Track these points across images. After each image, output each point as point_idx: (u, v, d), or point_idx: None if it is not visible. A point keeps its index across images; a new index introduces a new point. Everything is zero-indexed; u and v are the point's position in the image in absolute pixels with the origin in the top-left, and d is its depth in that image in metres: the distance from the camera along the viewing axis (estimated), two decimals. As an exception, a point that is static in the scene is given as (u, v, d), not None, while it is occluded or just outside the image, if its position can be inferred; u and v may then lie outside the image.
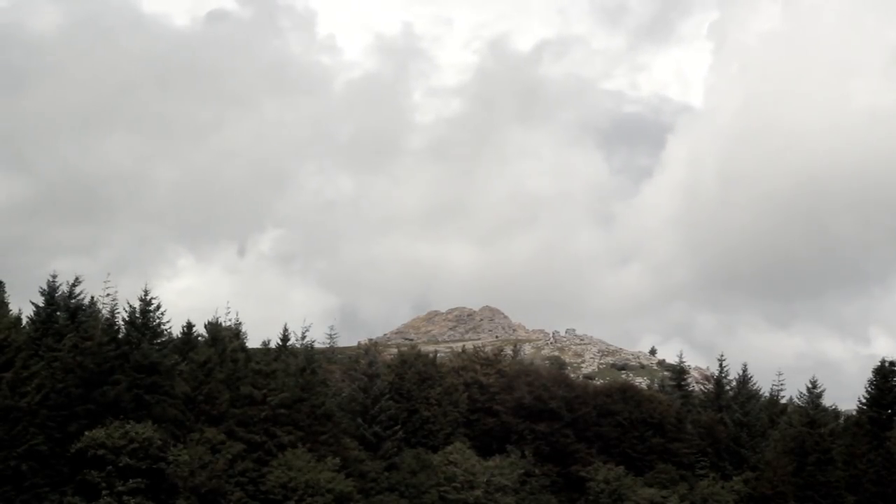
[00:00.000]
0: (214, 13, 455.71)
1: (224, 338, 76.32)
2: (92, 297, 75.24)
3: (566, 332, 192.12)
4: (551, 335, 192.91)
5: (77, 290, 74.22)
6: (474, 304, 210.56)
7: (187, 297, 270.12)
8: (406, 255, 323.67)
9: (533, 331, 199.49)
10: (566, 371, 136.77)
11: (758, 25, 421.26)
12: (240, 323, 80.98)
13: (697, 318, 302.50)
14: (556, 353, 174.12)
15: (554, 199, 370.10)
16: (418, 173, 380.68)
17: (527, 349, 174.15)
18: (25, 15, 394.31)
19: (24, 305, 74.65)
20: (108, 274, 76.53)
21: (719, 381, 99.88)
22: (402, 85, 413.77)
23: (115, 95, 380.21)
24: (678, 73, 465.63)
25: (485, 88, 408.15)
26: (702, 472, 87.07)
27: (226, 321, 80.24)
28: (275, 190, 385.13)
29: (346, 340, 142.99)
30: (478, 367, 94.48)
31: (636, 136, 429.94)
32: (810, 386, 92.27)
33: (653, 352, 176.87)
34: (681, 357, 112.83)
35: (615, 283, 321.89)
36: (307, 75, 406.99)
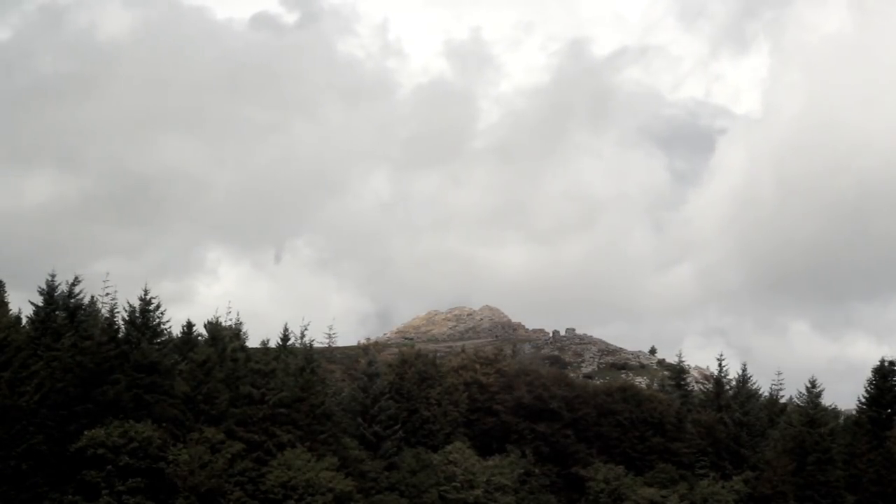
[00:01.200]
0: (281, 18, 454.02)
1: (224, 337, 76.28)
2: (91, 297, 75.30)
3: (566, 332, 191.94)
4: (551, 334, 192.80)
5: (76, 289, 74.22)
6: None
7: (227, 299, 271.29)
8: (455, 256, 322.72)
9: (533, 330, 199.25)
10: (566, 370, 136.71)
11: (821, 28, 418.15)
12: (240, 322, 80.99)
13: (744, 322, 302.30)
14: (556, 353, 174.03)
15: (611, 202, 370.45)
16: (478, 175, 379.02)
17: (527, 349, 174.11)
18: (97, 17, 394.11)
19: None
20: (107, 273, 76.17)
21: (719, 381, 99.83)
22: (468, 89, 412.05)
23: (179, 97, 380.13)
24: (742, 78, 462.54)
25: (553, 93, 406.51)
26: (702, 471, 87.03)
27: (226, 321, 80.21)
28: (330, 194, 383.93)
29: (347, 340, 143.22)
30: (478, 366, 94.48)
31: (696, 141, 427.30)
32: (810, 385, 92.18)
33: (653, 351, 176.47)
34: (680, 356, 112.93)
35: (664, 284, 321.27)
36: (374, 80, 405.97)
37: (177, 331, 75.50)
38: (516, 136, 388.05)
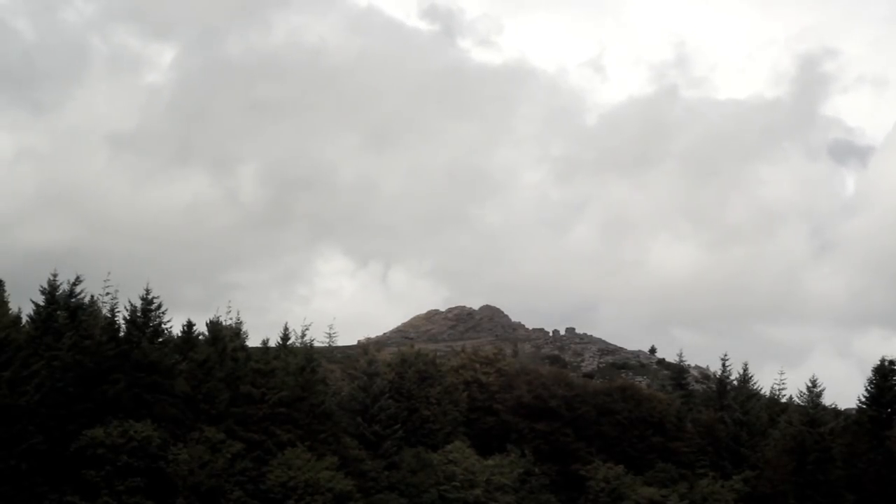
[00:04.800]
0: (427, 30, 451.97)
1: (224, 337, 76.20)
2: (92, 296, 75.22)
3: (566, 331, 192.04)
4: (551, 334, 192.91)
5: (77, 289, 74.17)
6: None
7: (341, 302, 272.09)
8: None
9: (533, 330, 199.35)
10: (566, 370, 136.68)
11: None
12: (240, 322, 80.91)
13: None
14: (556, 353, 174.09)
15: (786, 215, 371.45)
16: (661, 182, 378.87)
17: (526, 348, 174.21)
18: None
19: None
20: (108, 273, 76.11)
21: (721, 381, 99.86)
22: (666, 98, 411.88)
23: (354, 100, 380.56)
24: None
25: (746, 105, 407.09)
26: (702, 471, 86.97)
27: (226, 320, 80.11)
28: (482, 200, 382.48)
29: (347, 339, 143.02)
30: (477, 366, 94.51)
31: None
32: (810, 385, 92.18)
33: (653, 350, 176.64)
34: (680, 356, 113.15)
35: (820, 293, 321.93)
36: (565, 93, 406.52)
37: (177, 330, 75.47)
38: (706, 145, 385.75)
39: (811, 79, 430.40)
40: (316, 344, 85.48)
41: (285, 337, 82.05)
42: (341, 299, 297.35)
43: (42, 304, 72.38)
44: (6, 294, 78.10)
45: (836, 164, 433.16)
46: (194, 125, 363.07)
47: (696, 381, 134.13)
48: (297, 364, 76.59)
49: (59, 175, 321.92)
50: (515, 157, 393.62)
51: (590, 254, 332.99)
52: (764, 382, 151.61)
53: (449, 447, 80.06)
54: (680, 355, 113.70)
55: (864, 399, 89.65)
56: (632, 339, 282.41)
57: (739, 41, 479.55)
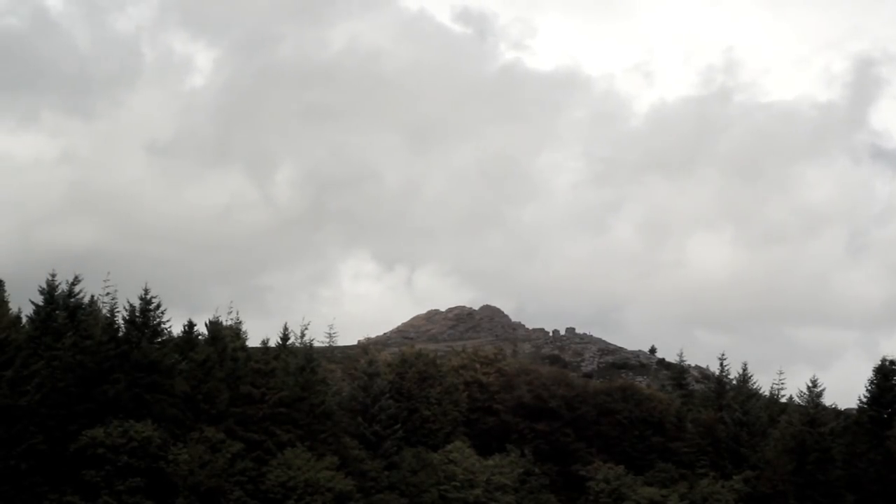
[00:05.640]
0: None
1: (224, 337, 76.19)
2: (92, 297, 75.23)
3: (566, 331, 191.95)
4: (551, 334, 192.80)
5: (77, 289, 74.17)
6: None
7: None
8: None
9: (533, 330, 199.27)
10: (566, 370, 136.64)
11: None
12: (240, 322, 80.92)
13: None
14: (556, 353, 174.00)
15: (830, 216, 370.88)
16: (703, 184, 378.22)
17: (526, 348, 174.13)
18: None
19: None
20: (108, 273, 76.11)
21: (720, 380, 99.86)
22: (713, 101, 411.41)
23: (389, 101, 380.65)
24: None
25: (795, 107, 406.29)
26: (702, 470, 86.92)
27: (227, 320, 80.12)
28: (519, 202, 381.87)
29: (347, 339, 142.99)
30: (478, 366, 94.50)
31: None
32: (810, 385, 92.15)
33: (653, 350, 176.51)
34: (681, 356, 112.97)
35: (853, 296, 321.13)
36: (609, 96, 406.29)
37: (177, 329, 75.46)
38: (752, 148, 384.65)
39: (864, 82, 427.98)
40: (316, 344, 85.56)
41: (285, 337, 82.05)
42: (371, 301, 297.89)
43: (41, 304, 72.45)
44: (6, 294, 78.18)
45: (880, 167, 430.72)
46: (236, 128, 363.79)
47: (696, 381, 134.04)
48: (297, 364, 76.59)
49: (100, 178, 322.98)
50: (557, 159, 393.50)
51: (625, 255, 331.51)
52: (793, 386, 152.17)
53: (449, 447, 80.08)
54: (680, 355, 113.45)
55: (864, 399, 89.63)
56: (660, 341, 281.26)
57: (791, 44, 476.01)
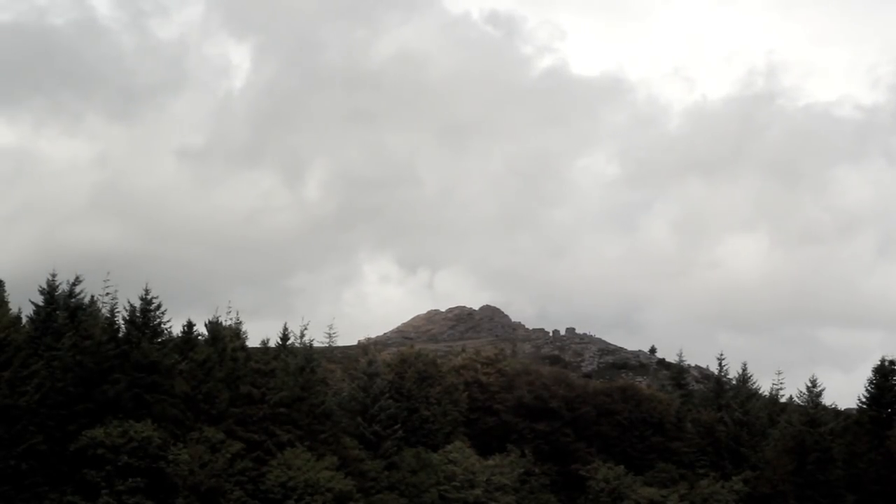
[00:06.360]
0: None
1: (224, 337, 76.17)
2: (92, 297, 75.22)
3: (566, 331, 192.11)
4: (551, 334, 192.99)
5: (77, 289, 74.20)
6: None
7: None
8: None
9: (533, 330, 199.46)
10: (566, 370, 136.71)
11: None
12: (240, 322, 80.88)
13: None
14: (556, 353, 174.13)
15: (865, 218, 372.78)
16: (740, 185, 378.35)
17: (526, 348, 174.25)
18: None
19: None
20: (108, 273, 76.10)
21: (719, 380, 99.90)
22: (753, 103, 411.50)
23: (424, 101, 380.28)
24: None
25: (835, 109, 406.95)
26: (702, 471, 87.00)
27: (226, 320, 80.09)
28: (551, 205, 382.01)
29: (347, 340, 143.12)
30: (478, 366, 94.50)
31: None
32: (810, 385, 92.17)
33: (652, 351, 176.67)
34: (680, 356, 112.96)
35: (885, 298, 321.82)
36: (647, 101, 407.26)
37: (177, 330, 75.45)
38: (793, 151, 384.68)
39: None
40: (316, 344, 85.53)
41: (285, 337, 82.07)
42: (393, 303, 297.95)
43: (41, 304, 72.49)
44: (6, 294, 78.16)
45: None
46: (272, 130, 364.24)
47: (696, 381, 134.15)
48: (297, 364, 76.59)
49: (134, 181, 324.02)
50: (592, 161, 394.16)
51: (656, 255, 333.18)
52: (831, 391, 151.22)
53: (449, 447, 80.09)
54: (680, 355, 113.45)
55: (864, 399, 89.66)
56: (685, 342, 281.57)
57: (833, 46, 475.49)
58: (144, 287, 71.96)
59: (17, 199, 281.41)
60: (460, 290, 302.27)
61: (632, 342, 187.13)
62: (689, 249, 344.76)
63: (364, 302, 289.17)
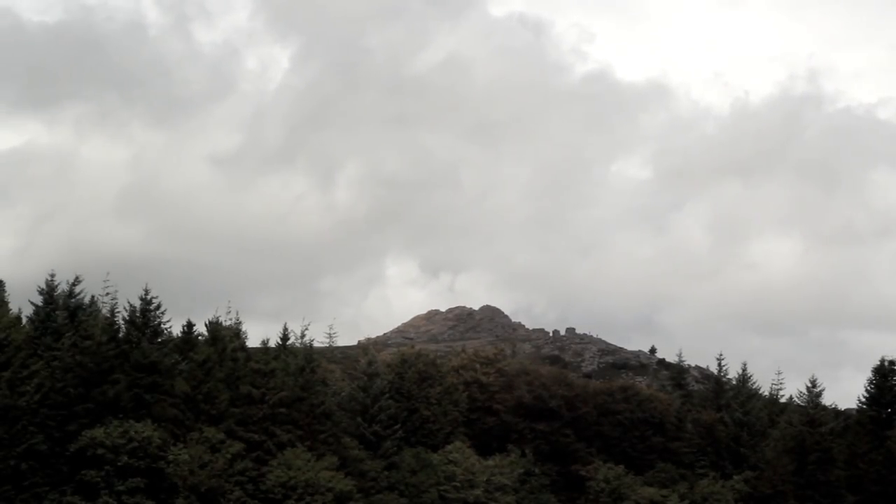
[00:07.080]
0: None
1: (224, 337, 76.17)
2: (92, 297, 75.21)
3: (566, 331, 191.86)
4: (551, 334, 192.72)
5: (77, 289, 74.17)
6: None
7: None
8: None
9: (533, 330, 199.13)
10: (566, 370, 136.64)
11: None
12: (240, 322, 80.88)
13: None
14: (556, 353, 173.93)
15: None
16: (777, 187, 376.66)
17: (526, 348, 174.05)
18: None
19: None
20: (108, 273, 76.10)
21: (719, 381, 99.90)
22: (791, 105, 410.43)
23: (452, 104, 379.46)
24: None
25: (876, 110, 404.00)
26: (702, 471, 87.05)
27: (226, 320, 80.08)
28: (580, 206, 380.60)
29: (347, 340, 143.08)
30: (477, 366, 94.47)
31: None
32: (810, 385, 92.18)
33: (653, 351, 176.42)
34: (680, 356, 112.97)
35: None
36: (689, 107, 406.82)
37: (177, 330, 75.45)
38: (829, 151, 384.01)
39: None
40: (316, 344, 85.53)
41: (285, 337, 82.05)
42: (421, 305, 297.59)
43: (41, 304, 72.47)
44: (6, 294, 78.16)
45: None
46: (307, 133, 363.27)
47: (696, 382, 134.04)
48: (297, 364, 76.57)
49: (167, 182, 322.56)
50: (627, 166, 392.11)
51: (688, 257, 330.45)
52: (851, 393, 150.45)
53: (449, 447, 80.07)
54: (680, 355, 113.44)
55: (864, 399, 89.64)
56: (712, 343, 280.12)
57: (875, 48, 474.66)
58: (144, 287, 72.10)
59: (51, 201, 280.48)
60: (481, 292, 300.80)
61: (658, 342, 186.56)
62: (721, 251, 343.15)
63: (387, 305, 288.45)
